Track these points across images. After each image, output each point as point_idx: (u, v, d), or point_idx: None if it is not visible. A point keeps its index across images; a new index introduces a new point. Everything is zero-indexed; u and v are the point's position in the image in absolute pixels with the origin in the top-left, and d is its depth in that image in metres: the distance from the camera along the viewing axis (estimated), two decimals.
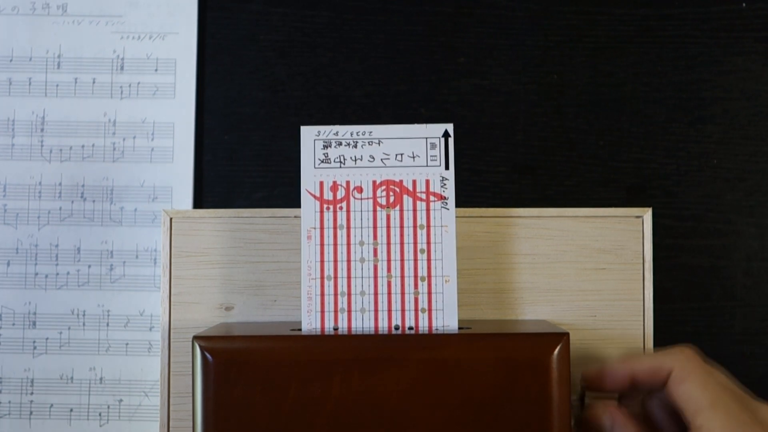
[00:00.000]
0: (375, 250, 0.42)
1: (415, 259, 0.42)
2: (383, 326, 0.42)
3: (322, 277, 0.42)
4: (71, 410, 0.54)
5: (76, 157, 0.56)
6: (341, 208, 0.42)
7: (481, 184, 0.56)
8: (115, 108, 0.56)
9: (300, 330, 0.42)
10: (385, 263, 0.42)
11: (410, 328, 0.42)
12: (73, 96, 0.56)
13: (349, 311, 0.42)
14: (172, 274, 0.47)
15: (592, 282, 0.47)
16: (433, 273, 0.42)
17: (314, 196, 0.42)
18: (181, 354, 0.47)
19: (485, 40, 0.57)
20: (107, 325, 0.55)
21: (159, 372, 0.48)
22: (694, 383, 0.39)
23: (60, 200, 0.56)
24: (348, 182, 0.42)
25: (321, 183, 0.42)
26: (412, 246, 0.42)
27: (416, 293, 0.42)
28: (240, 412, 0.38)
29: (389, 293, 0.42)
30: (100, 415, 0.54)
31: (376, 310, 0.42)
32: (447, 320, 0.42)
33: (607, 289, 0.47)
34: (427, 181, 0.42)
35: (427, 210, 0.42)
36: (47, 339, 0.55)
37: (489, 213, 0.47)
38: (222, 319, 0.47)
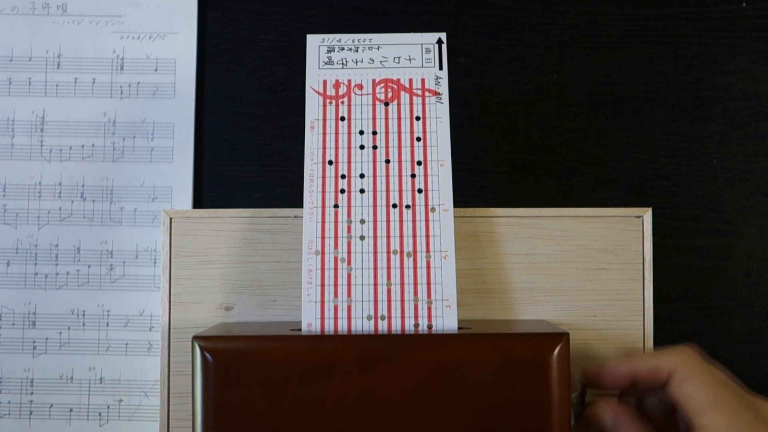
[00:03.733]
0: (374, 138, 0.44)
1: (412, 146, 0.44)
2: (381, 204, 0.43)
3: (323, 161, 0.44)
4: (71, 410, 0.54)
5: (76, 157, 0.56)
6: (343, 102, 0.45)
7: (481, 184, 0.56)
8: (115, 108, 0.56)
9: (300, 330, 0.42)
10: (383, 149, 0.44)
11: (407, 207, 0.43)
12: (73, 96, 0.56)
13: (349, 191, 0.43)
14: (172, 274, 0.47)
15: (592, 282, 0.47)
16: (429, 157, 0.44)
17: (317, 92, 0.45)
18: (181, 354, 0.47)
19: (485, 40, 0.57)
20: (107, 325, 0.55)
21: (159, 372, 0.48)
22: (697, 383, 0.39)
23: (60, 200, 0.56)
24: (349, 80, 0.45)
25: (324, 81, 0.45)
26: (408, 135, 0.44)
27: (413, 175, 0.44)
28: (240, 412, 0.38)
29: (387, 175, 0.44)
30: (99, 415, 0.54)
31: (374, 191, 0.43)
32: (442, 199, 0.43)
33: (607, 289, 0.47)
34: (423, 80, 0.45)
35: (423, 104, 0.45)
36: (47, 339, 0.55)
37: (489, 213, 0.47)
38: (222, 319, 0.47)
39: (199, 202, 0.56)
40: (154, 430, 0.54)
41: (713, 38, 0.57)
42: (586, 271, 0.47)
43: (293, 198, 0.56)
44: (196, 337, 0.39)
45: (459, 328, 0.42)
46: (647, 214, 0.47)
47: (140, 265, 0.55)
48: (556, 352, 0.39)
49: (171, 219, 0.47)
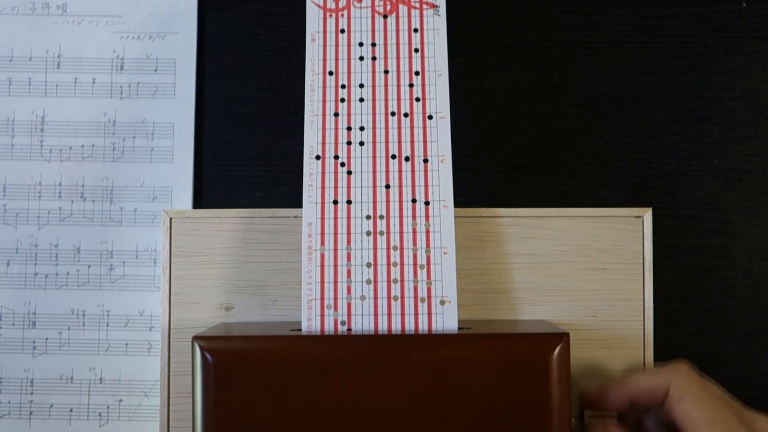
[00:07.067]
0: (373, 50, 0.46)
1: (410, 57, 0.46)
2: (380, 112, 0.45)
3: (324, 72, 0.46)
4: (71, 410, 0.54)
5: (76, 157, 0.56)
6: (342, 15, 0.47)
7: (481, 184, 0.56)
8: (115, 108, 0.56)
9: (300, 330, 0.42)
10: (382, 60, 0.46)
11: (405, 114, 0.45)
12: (73, 96, 0.56)
13: (349, 100, 0.45)
14: (172, 274, 0.47)
15: (592, 282, 0.47)
16: (426, 68, 0.46)
17: (318, 5, 0.47)
18: (181, 354, 0.47)
19: (485, 40, 0.57)
20: (107, 325, 0.55)
21: (159, 372, 0.48)
22: (692, 400, 0.39)
23: (60, 200, 0.56)
24: None
25: None
26: (407, 46, 0.46)
27: (411, 85, 0.45)
28: (240, 412, 0.38)
29: (386, 85, 0.46)
30: (99, 415, 0.54)
31: (373, 99, 0.45)
32: (440, 107, 0.45)
33: (607, 289, 0.47)
34: None
35: (421, 16, 0.47)
36: (47, 339, 0.55)
37: (489, 213, 0.47)
38: (222, 319, 0.47)
39: (199, 202, 0.56)
40: (154, 430, 0.54)
41: (713, 38, 0.57)
42: (586, 271, 0.47)
43: (293, 198, 0.56)
44: (196, 337, 0.39)
45: (459, 328, 0.42)
46: (647, 214, 0.47)
47: (140, 265, 0.55)
48: (556, 352, 0.39)
49: (171, 219, 0.47)
